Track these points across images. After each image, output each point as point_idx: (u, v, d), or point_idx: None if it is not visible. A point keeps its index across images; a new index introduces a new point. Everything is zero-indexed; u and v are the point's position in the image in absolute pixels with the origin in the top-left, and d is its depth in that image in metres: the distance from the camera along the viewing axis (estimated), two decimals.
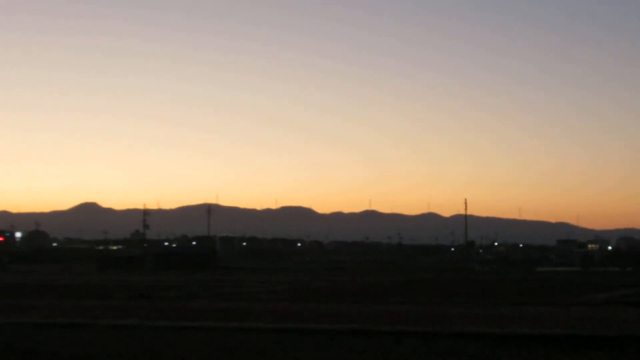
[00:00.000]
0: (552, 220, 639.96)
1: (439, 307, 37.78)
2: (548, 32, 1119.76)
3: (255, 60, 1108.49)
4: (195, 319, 30.70)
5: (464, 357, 19.23)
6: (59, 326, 27.74)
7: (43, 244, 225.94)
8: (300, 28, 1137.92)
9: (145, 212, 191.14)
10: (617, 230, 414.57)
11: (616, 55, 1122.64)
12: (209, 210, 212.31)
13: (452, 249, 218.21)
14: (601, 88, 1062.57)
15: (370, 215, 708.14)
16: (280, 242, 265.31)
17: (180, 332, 25.70)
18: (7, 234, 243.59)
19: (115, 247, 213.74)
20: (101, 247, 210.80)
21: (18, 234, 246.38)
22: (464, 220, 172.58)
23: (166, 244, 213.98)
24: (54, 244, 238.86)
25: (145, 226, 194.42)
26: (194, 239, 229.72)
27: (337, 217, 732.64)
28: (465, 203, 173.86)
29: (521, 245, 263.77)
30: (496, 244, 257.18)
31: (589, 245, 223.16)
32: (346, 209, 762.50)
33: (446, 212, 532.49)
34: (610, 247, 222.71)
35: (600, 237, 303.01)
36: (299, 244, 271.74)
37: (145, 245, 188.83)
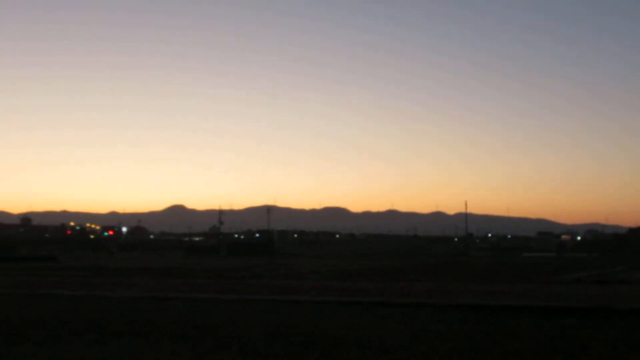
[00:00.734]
0: (534, 216, 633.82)
1: (446, 285, 37.67)
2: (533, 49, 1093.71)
3: (309, 85, 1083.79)
4: (258, 293, 30.84)
5: (467, 324, 19.12)
6: (155, 299, 28.03)
7: (143, 237, 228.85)
8: (342, 54, 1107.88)
9: (220, 212, 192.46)
10: (585, 225, 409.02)
11: (585, 68, 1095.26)
12: (269, 210, 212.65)
13: (456, 239, 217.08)
14: (574, 110, 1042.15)
15: (392, 213, 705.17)
16: (322, 235, 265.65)
17: (247, 303, 25.82)
18: (116, 229, 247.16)
19: (197, 239, 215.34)
20: (187, 239, 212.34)
21: (124, 229, 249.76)
22: (465, 217, 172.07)
23: (236, 236, 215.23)
24: (151, 236, 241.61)
25: (220, 222, 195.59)
26: (257, 232, 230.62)
27: (367, 214, 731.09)
28: (466, 204, 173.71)
29: (509, 236, 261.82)
30: (489, 235, 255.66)
31: (563, 236, 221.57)
32: (373, 209, 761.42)
33: (451, 210, 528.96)
34: (579, 238, 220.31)
35: (571, 230, 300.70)
36: (337, 236, 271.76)
37: (220, 237, 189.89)
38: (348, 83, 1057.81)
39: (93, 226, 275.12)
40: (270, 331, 17.48)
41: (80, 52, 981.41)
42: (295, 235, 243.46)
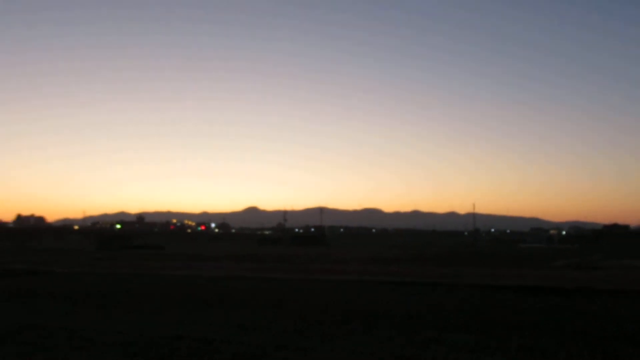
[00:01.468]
0: (528, 215, 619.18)
1: (457, 268, 37.10)
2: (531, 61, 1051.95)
3: (361, 99, 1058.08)
4: (314, 274, 30.93)
5: (475, 300, 18.86)
6: (235, 278, 28.35)
7: (227, 231, 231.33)
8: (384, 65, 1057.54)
9: (285, 212, 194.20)
10: (569, 222, 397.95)
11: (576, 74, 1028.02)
12: (321, 211, 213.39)
13: (466, 234, 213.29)
14: (564, 127, 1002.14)
15: (416, 213, 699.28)
16: (361, 229, 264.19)
17: (305, 282, 25.93)
18: (206, 225, 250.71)
19: (267, 232, 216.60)
20: (259, 232, 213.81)
21: (213, 225, 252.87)
22: (473, 216, 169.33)
23: (296, 230, 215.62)
24: (233, 231, 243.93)
25: (285, 220, 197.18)
26: (312, 227, 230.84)
27: (396, 214, 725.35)
28: (474, 205, 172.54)
29: (508, 231, 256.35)
30: (492, 230, 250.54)
31: (551, 231, 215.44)
32: (401, 209, 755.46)
33: (462, 210, 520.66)
34: (564, 232, 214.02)
35: (558, 226, 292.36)
36: (373, 230, 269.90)
37: (284, 231, 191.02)
38: (380, 103, 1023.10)
39: (190, 223, 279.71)
40: (323, 303, 17.57)
41: (180, 62, 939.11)
42: (341, 230, 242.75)
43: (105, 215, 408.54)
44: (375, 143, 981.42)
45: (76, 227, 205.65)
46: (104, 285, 24.49)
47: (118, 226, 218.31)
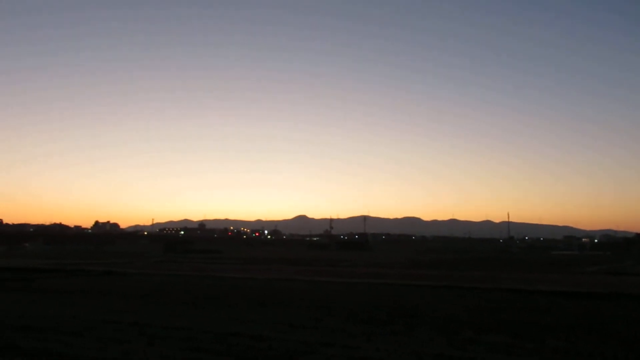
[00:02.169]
0: (560, 224, 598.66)
1: (493, 273, 36.20)
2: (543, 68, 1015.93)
3: (401, 116, 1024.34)
4: (358, 277, 30.76)
5: (511, 302, 18.32)
6: (287, 280, 28.46)
7: (278, 237, 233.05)
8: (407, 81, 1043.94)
9: (331, 220, 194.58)
10: (601, 230, 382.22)
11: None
12: (364, 219, 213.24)
13: (500, 241, 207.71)
14: (595, 140, 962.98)
15: (453, 222, 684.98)
16: (402, 237, 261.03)
17: (351, 284, 25.80)
18: (260, 231, 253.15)
19: (315, 239, 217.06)
20: (308, 239, 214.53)
21: (266, 232, 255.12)
22: (507, 225, 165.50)
23: (341, 237, 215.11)
24: (284, 237, 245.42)
25: (331, 227, 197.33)
26: (356, 234, 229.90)
27: (434, 222, 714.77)
28: (508, 214, 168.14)
29: (541, 239, 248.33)
30: (526, 238, 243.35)
31: (583, 239, 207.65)
32: (439, 218, 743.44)
33: (497, 219, 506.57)
34: (596, 240, 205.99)
35: (590, 234, 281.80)
36: (413, 237, 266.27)
37: (331, 237, 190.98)
38: (418, 118, 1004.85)
39: (246, 230, 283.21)
40: (367, 304, 17.41)
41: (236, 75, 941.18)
42: (383, 237, 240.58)
43: (171, 222, 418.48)
44: (415, 156, 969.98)
45: (145, 233, 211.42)
46: (169, 285, 25.01)
47: (182, 232, 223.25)
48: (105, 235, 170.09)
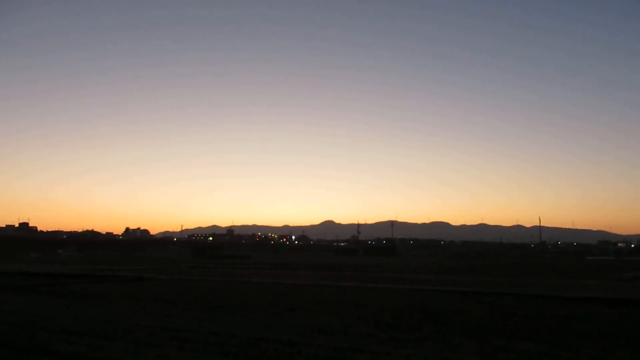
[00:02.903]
0: (594, 228, 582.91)
1: (524, 279, 35.46)
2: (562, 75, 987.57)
3: (429, 120, 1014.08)
4: (387, 282, 30.54)
5: (544, 309, 17.92)
6: (315, 286, 28.42)
7: (305, 242, 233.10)
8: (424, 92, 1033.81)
9: (358, 225, 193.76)
10: (637, 235, 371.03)
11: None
12: (392, 224, 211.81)
13: (532, 245, 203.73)
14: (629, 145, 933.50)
15: (482, 226, 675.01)
16: (430, 242, 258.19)
17: (379, 290, 25.64)
18: (288, 237, 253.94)
19: (342, 244, 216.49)
20: (335, 244, 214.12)
21: (293, 237, 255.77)
22: (539, 229, 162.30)
23: (369, 242, 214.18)
24: (311, 242, 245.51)
25: (358, 232, 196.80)
26: (384, 239, 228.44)
27: (463, 227, 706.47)
28: (539, 219, 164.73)
29: (575, 243, 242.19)
30: (559, 242, 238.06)
31: (619, 244, 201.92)
32: (468, 222, 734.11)
33: (528, 224, 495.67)
34: (632, 245, 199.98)
35: (626, 239, 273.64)
36: (442, 242, 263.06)
37: (358, 242, 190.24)
38: (447, 122, 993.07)
39: (273, 235, 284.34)
40: (396, 310, 17.28)
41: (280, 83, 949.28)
42: (411, 242, 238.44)
43: (199, 229, 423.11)
44: (442, 160, 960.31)
45: (175, 239, 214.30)
46: (199, 290, 25.29)
47: (210, 238, 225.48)
48: (136, 242, 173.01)
